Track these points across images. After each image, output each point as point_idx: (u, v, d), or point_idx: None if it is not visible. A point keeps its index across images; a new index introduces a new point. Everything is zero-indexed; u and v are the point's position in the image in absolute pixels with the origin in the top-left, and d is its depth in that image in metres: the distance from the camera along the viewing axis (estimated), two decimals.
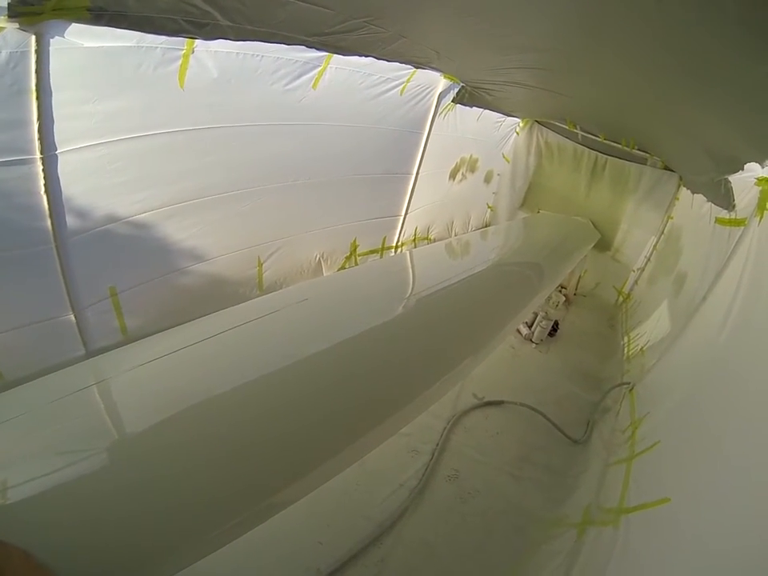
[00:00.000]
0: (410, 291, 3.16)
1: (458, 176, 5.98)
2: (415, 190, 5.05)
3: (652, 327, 4.55)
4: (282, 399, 1.80)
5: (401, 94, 4.02)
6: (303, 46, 2.82)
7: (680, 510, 1.96)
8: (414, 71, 3.86)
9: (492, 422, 3.60)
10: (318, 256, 4.44)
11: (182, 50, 2.32)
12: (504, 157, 6.85)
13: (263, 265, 3.79)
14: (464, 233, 6.67)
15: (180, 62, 2.35)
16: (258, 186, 3.35)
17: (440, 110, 4.64)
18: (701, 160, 3.93)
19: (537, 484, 3.15)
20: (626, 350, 4.91)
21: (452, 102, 4.71)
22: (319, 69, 3.11)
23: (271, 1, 2.18)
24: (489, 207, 7.35)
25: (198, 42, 2.33)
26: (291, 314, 2.44)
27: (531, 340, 4.91)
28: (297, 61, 2.94)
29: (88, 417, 1.62)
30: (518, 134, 6.67)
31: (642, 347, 4.45)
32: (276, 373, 1.94)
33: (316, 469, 1.67)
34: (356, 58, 3.22)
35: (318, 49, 2.91)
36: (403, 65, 3.68)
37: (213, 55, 2.48)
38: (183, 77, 2.41)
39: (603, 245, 6.38)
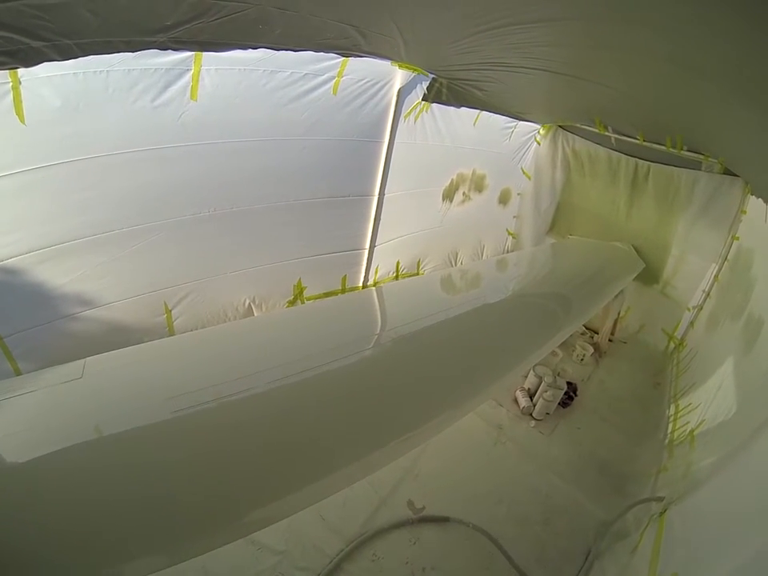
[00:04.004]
0: (364, 334, 2.64)
1: (458, 196, 5.14)
2: (381, 215, 4.32)
3: (709, 398, 3.40)
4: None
5: (334, 93, 3.27)
6: (155, 49, 2.36)
7: None
8: (344, 61, 3.08)
9: (421, 551, 2.64)
10: (248, 301, 3.91)
11: (9, 82, 2.12)
12: (524, 172, 5.96)
13: (171, 312, 3.43)
14: None
15: (11, 95, 2.16)
16: (148, 223, 2.99)
17: (405, 112, 3.83)
18: None
19: None
20: (670, 427, 3.77)
21: (423, 100, 3.89)
22: (191, 73, 2.62)
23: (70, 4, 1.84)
24: (509, 234, 6.48)
25: (21, 70, 2.11)
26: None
27: (531, 415, 3.89)
28: (156, 69, 2.50)
29: None
30: (538, 143, 5.76)
31: (693, 430, 3.29)
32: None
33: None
34: (240, 52, 2.66)
35: (175, 49, 2.42)
36: (323, 53, 2.95)
37: (46, 81, 2.23)
38: (20, 111, 2.22)
39: (650, 276, 5.32)
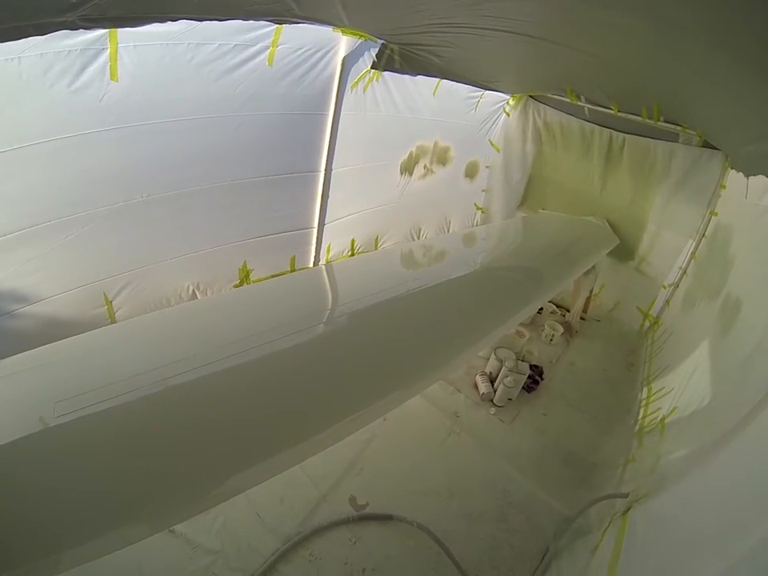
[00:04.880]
0: (309, 312, 2.61)
1: (418, 170, 5.15)
2: (330, 192, 4.33)
3: (683, 383, 3.35)
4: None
5: (270, 65, 3.23)
6: (66, 30, 2.32)
7: None
8: (278, 28, 3.03)
9: (362, 551, 2.59)
10: (192, 287, 3.92)
11: None
12: (492, 144, 5.97)
13: (112, 302, 3.45)
14: None
15: None
16: (77, 213, 2.98)
17: (352, 82, 3.81)
18: (765, 113, 2.74)
19: None
20: (641, 412, 3.74)
21: (372, 68, 3.86)
22: (107, 52, 2.56)
23: None
24: (478, 208, 6.49)
25: None
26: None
27: (492, 401, 3.88)
28: (69, 51, 2.44)
29: None
30: (507, 114, 5.74)
31: (664, 417, 3.24)
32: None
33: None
34: (158, 26, 2.62)
35: (86, 28, 2.37)
36: (253, 21, 2.90)
37: None
38: None
39: (625, 252, 5.35)
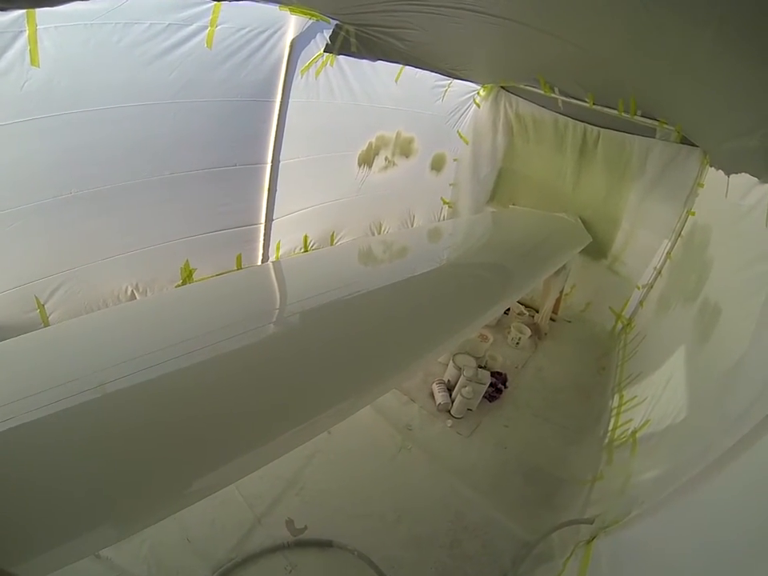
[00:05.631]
0: (259, 311, 2.54)
1: (379, 162, 5.09)
2: (278, 185, 4.25)
3: (657, 393, 3.27)
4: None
5: (209, 47, 3.11)
6: None
7: None
8: (216, 6, 2.92)
9: None
10: (130, 288, 3.80)
11: None
12: (461, 136, 5.95)
13: (45, 306, 3.31)
14: None
15: None
16: (4, 210, 2.85)
17: (302, 67, 3.72)
18: (752, 105, 2.60)
19: None
20: (612, 422, 3.67)
21: (326, 52, 3.77)
22: (26, 35, 2.41)
23: None
24: (445, 203, 6.48)
25: None
26: None
27: (449, 412, 3.79)
28: None
29: None
30: (478, 105, 5.73)
31: (636, 431, 3.15)
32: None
33: None
34: (80, 4, 2.47)
35: (2, 9, 2.25)
36: None
37: None
38: None
39: (598, 251, 5.37)
